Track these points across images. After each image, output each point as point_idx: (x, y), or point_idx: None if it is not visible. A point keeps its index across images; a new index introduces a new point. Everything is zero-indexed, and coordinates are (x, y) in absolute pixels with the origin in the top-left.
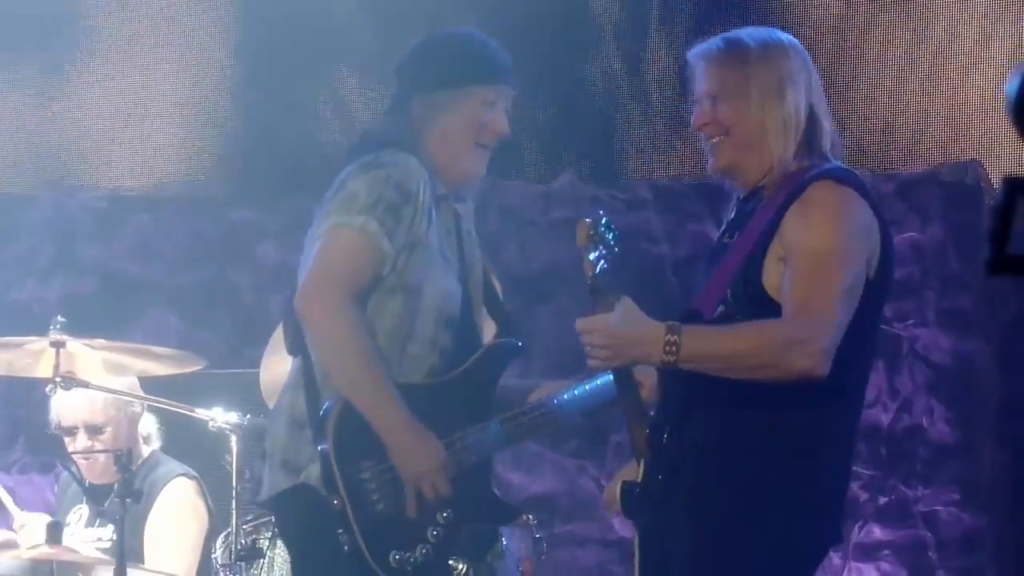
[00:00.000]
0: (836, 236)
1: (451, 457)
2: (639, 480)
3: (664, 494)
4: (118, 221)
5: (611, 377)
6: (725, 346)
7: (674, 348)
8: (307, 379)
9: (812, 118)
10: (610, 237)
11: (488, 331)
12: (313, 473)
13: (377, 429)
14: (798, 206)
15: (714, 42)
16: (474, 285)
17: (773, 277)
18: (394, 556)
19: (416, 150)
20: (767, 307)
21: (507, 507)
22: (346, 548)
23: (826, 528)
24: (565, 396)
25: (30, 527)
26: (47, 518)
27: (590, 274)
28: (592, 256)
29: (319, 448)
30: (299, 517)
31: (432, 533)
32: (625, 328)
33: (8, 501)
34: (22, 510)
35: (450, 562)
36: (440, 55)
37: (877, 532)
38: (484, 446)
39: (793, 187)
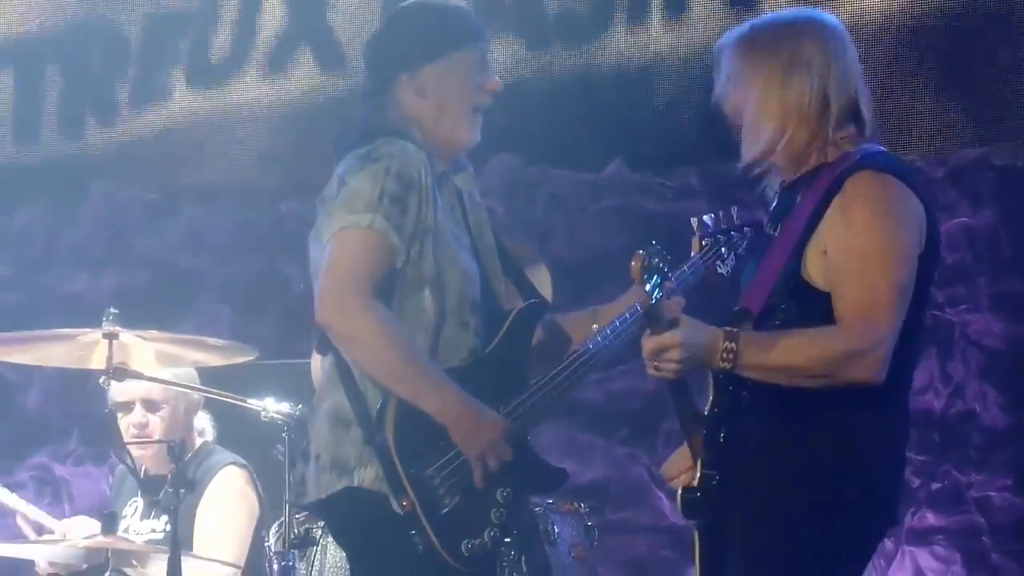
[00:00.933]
0: (883, 233)
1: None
2: (696, 483)
3: (721, 494)
4: (169, 213)
5: (634, 312)
6: (782, 358)
7: (731, 356)
8: (344, 376)
9: (826, 104)
10: (663, 264)
11: (507, 293)
12: (367, 477)
13: (434, 415)
14: (839, 200)
15: (740, 28)
16: (487, 255)
17: (816, 268)
18: (466, 546)
19: (408, 131)
20: (812, 298)
21: (558, 471)
22: (421, 548)
23: (880, 518)
24: (598, 339)
25: (75, 532)
26: (90, 520)
27: (647, 303)
28: (648, 286)
29: (378, 448)
30: (354, 519)
31: (496, 514)
32: (691, 341)
33: (41, 516)
34: (72, 503)
35: (502, 549)
36: (420, 27)
37: (930, 518)
38: (536, 412)
39: (831, 178)
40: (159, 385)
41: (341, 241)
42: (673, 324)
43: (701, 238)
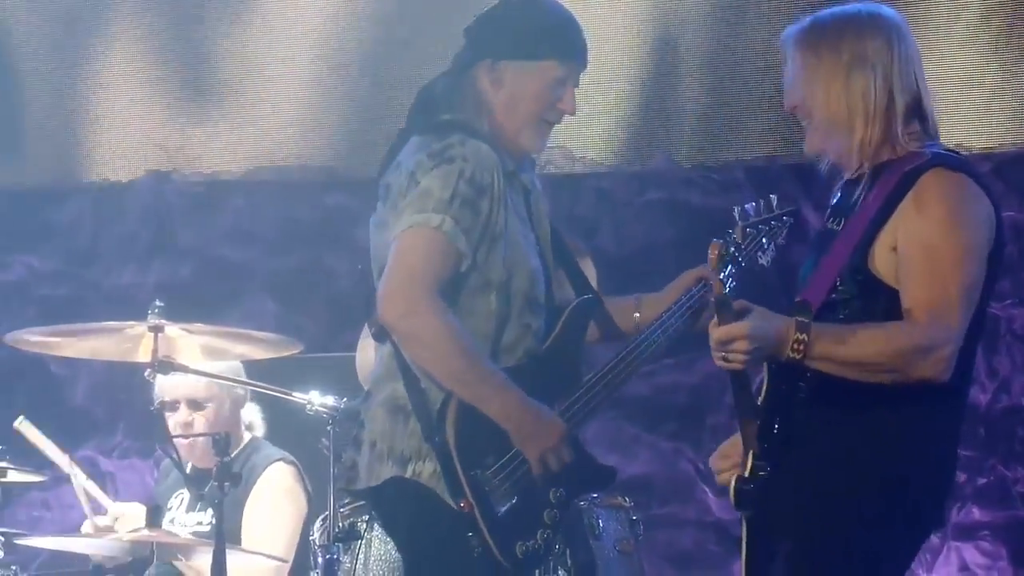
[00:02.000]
0: (957, 232)
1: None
2: (747, 473)
3: (771, 485)
4: (215, 206)
5: (681, 305)
6: (852, 351)
7: (802, 347)
8: (403, 367)
9: (891, 99)
10: (739, 255)
11: (561, 285)
12: (424, 471)
13: (494, 417)
14: (913, 197)
15: (802, 23)
16: (545, 248)
17: (884, 263)
18: (520, 547)
19: (479, 122)
20: (879, 292)
21: (607, 469)
22: (478, 551)
23: (930, 517)
24: (647, 334)
25: (125, 518)
26: (141, 507)
27: (720, 292)
28: (722, 275)
29: (438, 448)
30: (407, 510)
31: (549, 515)
32: (762, 331)
33: (99, 493)
34: (117, 497)
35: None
36: (520, 23)
37: (976, 513)
38: (589, 410)
39: (901, 174)
40: (203, 383)
41: (408, 240)
42: (742, 314)
43: (745, 227)
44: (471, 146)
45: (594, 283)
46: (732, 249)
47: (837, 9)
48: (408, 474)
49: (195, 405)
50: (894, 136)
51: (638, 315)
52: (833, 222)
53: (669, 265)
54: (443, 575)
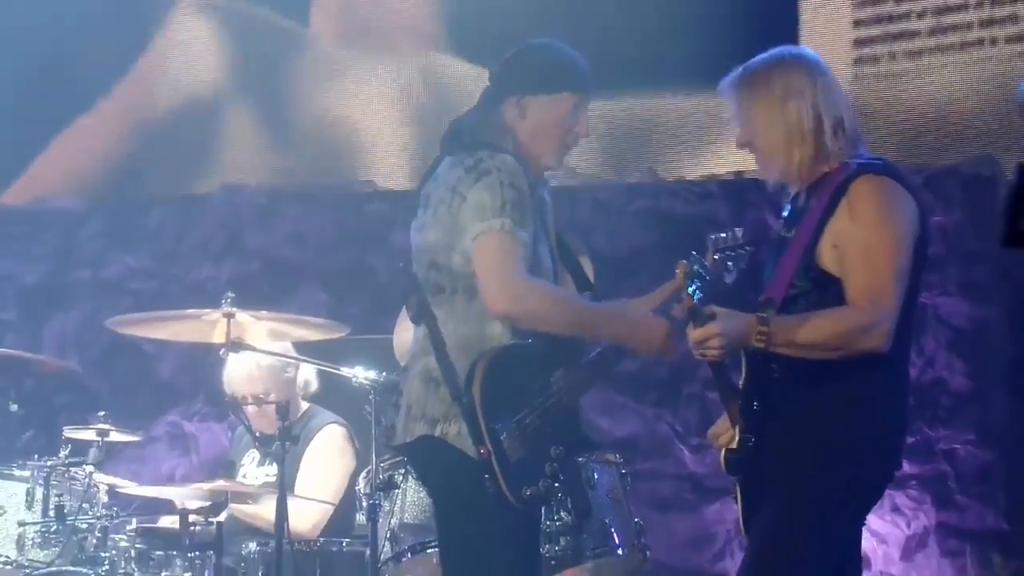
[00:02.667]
0: (885, 227)
1: (551, 405)
2: (736, 446)
3: (756, 453)
4: (276, 214)
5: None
6: (807, 335)
7: (764, 337)
8: (436, 344)
9: (820, 121)
10: (702, 270)
11: (565, 283)
12: (450, 431)
13: (615, 339)
14: (845, 202)
15: (734, 72)
16: (554, 250)
17: (829, 259)
18: (526, 491)
19: (504, 142)
20: (829, 284)
21: (593, 440)
22: (491, 491)
23: (890, 464)
24: None
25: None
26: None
27: (689, 304)
28: (691, 289)
29: (465, 407)
30: (434, 462)
31: (549, 467)
32: (729, 328)
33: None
34: (198, 454)
35: (555, 494)
36: (538, 64)
37: (905, 466)
38: (586, 381)
39: (835, 185)
40: (260, 379)
41: (483, 246)
42: (711, 318)
43: (713, 252)
44: (499, 158)
45: (592, 278)
46: (696, 267)
47: (763, 55)
48: (436, 433)
49: (259, 401)
50: (826, 152)
51: None
52: (785, 231)
53: (654, 264)
54: (463, 514)
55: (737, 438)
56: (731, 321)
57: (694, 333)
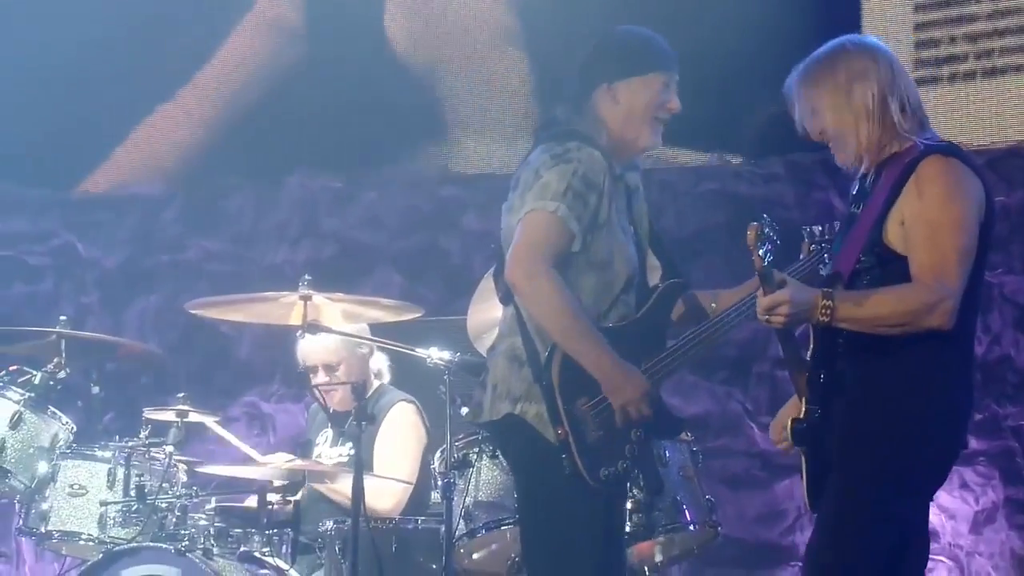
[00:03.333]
0: (951, 207)
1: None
2: (802, 416)
3: (822, 424)
4: (351, 198)
5: (745, 303)
6: (870, 311)
7: (828, 311)
8: (521, 324)
9: (885, 102)
10: (773, 234)
11: (654, 270)
12: (530, 411)
13: (589, 369)
14: (913, 181)
15: (796, 69)
16: (642, 239)
17: (895, 236)
18: (603, 472)
19: (598, 136)
20: (893, 261)
21: (678, 420)
22: (568, 470)
23: (955, 442)
24: (719, 319)
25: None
26: (286, 456)
27: (760, 265)
28: (761, 251)
29: (544, 388)
30: (515, 440)
31: (629, 449)
32: (797, 299)
33: (253, 453)
34: (275, 433)
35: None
36: (623, 50)
37: (973, 443)
38: (670, 369)
39: (903, 165)
40: (333, 349)
41: (531, 220)
42: (782, 284)
43: (810, 244)
44: (586, 151)
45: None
46: (767, 230)
47: (823, 47)
48: (517, 411)
49: (329, 369)
50: (893, 132)
51: (714, 304)
52: (855, 207)
53: (720, 245)
54: (541, 492)
55: (803, 408)
56: (800, 292)
57: (763, 299)
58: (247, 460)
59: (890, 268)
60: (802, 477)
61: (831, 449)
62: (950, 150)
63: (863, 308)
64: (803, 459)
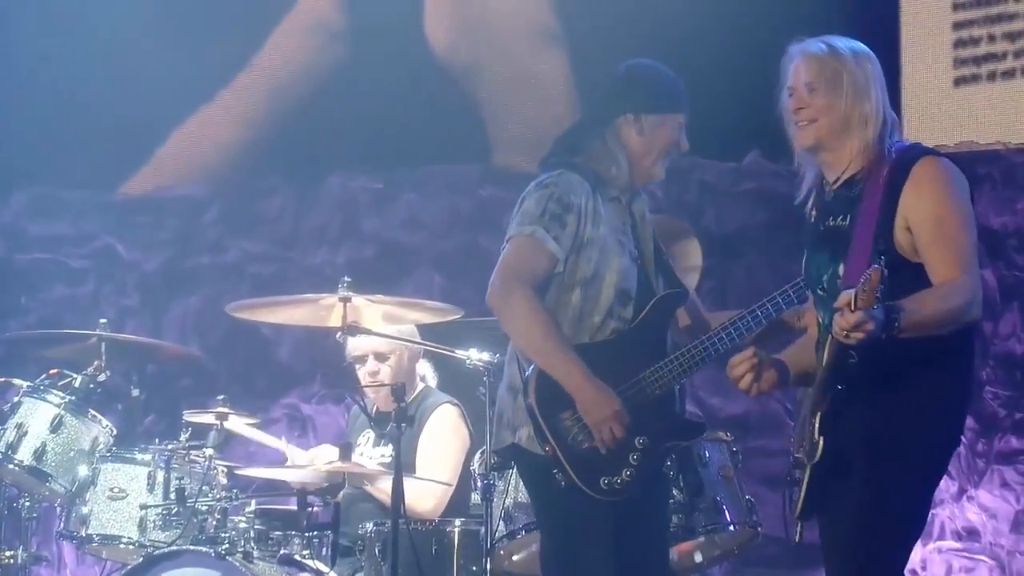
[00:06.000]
0: (954, 202)
1: (635, 398)
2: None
3: (840, 427)
4: (391, 199)
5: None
6: (928, 316)
7: (896, 325)
8: (513, 350)
9: (885, 113)
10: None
11: (659, 286)
12: (523, 436)
13: (564, 387)
14: (911, 183)
15: (816, 42)
16: (647, 260)
17: (904, 241)
18: (604, 481)
19: (615, 157)
20: (903, 267)
21: (694, 424)
22: (563, 484)
23: (961, 429)
24: (718, 334)
25: (319, 457)
26: (330, 449)
27: (878, 277)
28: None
29: (526, 408)
30: (519, 465)
31: (634, 457)
32: (878, 317)
33: (293, 449)
34: (316, 435)
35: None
36: (653, 86)
37: (1014, 442)
38: (667, 379)
39: (892, 169)
40: (386, 341)
41: (510, 245)
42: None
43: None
44: (565, 176)
45: (699, 256)
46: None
47: (846, 40)
48: (516, 439)
49: (380, 357)
50: (884, 139)
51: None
52: (834, 220)
53: (760, 244)
54: (548, 509)
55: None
56: (878, 311)
57: (851, 317)
58: (285, 461)
59: (900, 275)
60: (799, 488)
61: (843, 459)
62: (939, 153)
63: (921, 316)
64: (807, 471)
